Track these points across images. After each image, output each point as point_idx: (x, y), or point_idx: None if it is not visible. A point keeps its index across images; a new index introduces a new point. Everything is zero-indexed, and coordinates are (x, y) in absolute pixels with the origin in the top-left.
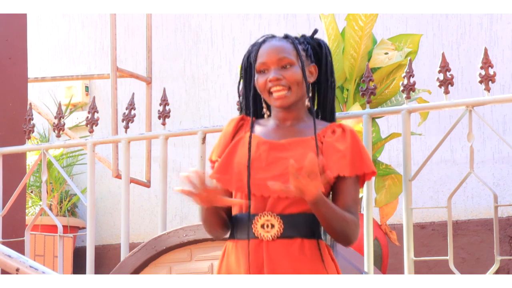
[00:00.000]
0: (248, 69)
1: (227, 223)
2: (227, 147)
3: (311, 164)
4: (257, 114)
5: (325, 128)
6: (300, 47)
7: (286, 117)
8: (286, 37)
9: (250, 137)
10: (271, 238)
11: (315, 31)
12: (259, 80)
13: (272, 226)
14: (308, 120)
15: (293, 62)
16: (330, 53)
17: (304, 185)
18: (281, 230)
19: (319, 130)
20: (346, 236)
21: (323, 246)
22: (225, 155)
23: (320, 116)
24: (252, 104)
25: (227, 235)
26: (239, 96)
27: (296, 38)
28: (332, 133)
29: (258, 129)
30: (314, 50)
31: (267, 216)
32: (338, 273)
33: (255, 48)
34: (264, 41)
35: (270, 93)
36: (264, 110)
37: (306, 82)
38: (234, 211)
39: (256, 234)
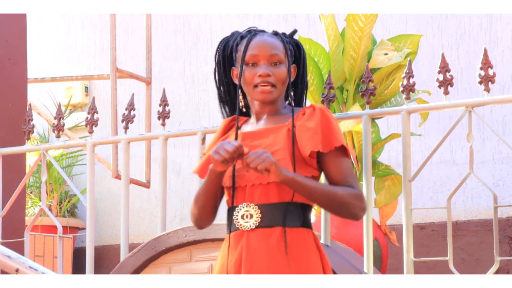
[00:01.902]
0: (227, 58)
1: (214, 211)
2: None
3: (246, 158)
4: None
5: (297, 113)
6: (287, 47)
7: (263, 110)
8: (276, 34)
9: (237, 132)
10: (249, 228)
11: (294, 32)
12: (246, 73)
13: (251, 216)
14: (283, 110)
15: (283, 60)
16: (306, 55)
17: (260, 170)
18: (259, 219)
19: (291, 117)
20: (348, 211)
21: (307, 235)
22: (208, 154)
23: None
24: (227, 92)
25: (211, 224)
26: (216, 84)
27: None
28: (302, 115)
29: (244, 126)
30: (293, 51)
31: (246, 206)
32: (324, 262)
33: (245, 39)
34: (255, 34)
35: (255, 86)
36: (240, 99)
37: (289, 81)
38: (228, 205)
39: (237, 225)
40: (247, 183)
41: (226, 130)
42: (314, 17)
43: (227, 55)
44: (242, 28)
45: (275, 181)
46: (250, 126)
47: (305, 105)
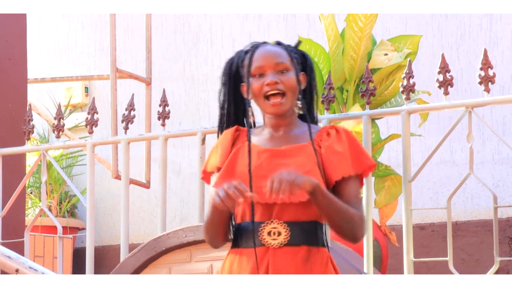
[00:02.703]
0: (234, 75)
1: (228, 231)
2: (226, 158)
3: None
4: (241, 123)
5: (319, 132)
6: (292, 55)
7: (279, 123)
8: (279, 44)
9: (249, 145)
10: (277, 245)
11: (299, 43)
12: (254, 84)
13: (279, 233)
14: (300, 125)
15: (289, 68)
16: (313, 64)
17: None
18: (288, 237)
19: (313, 134)
20: (352, 231)
21: (327, 254)
22: (226, 166)
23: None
24: (235, 112)
25: (224, 244)
26: (220, 105)
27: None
28: (327, 135)
29: (254, 138)
30: (299, 60)
31: (274, 223)
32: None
33: (248, 53)
34: (257, 47)
35: (266, 98)
36: (251, 115)
37: (300, 88)
38: (238, 220)
39: (263, 242)
40: (275, 200)
41: (233, 141)
42: (314, 17)
43: (233, 73)
44: (241, 28)
45: (307, 192)
46: (264, 139)
47: (315, 115)
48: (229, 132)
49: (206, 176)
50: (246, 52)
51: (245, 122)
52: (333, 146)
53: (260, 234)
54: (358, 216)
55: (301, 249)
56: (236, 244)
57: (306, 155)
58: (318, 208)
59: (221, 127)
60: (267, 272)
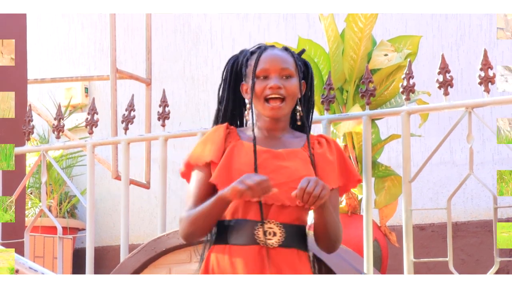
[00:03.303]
0: (237, 74)
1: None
2: (221, 153)
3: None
4: (236, 121)
5: (309, 138)
6: (298, 62)
7: (275, 127)
8: (286, 49)
9: (255, 146)
10: (273, 245)
11: (303, 51)
12: (257, 86)
13: (274, 234)
14: (290, 131)
15: (293, 74)
16: (313, 75)
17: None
18: (282, 238)
19: (304, 141)
20: (336, 243)
21: (309, 260)
22: (224, 162)
23: (296, 128)
24: (232, 109)
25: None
26: (218, 100)
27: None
28: (318, 144)
29: (247, 138)
30: (302, 68)
31: (270, 223)
32: None
33: (255, 53)
34: (265, 49)
35: (266, 100)
36: (246, 115)
37: (301, 96)
38: (228, 216)
39: (257, 241)
40: (274, 201)
41: (225, 138)
42: (314, 17)
43: (237, 71)
44: (241, 29)
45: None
46: (259, 139)
47: (310, 124)
48: (221, 128)
49: (188, 170)
50: (252, 52)
51: (238, 121)
52: (326, 155)
53: (256, 233)
54: (341, 230)
55: (292, 251)
56: (224, 240)
57: (301, 160)
58: (319, 216)
59: (217, 122)
60: (263, 271)
